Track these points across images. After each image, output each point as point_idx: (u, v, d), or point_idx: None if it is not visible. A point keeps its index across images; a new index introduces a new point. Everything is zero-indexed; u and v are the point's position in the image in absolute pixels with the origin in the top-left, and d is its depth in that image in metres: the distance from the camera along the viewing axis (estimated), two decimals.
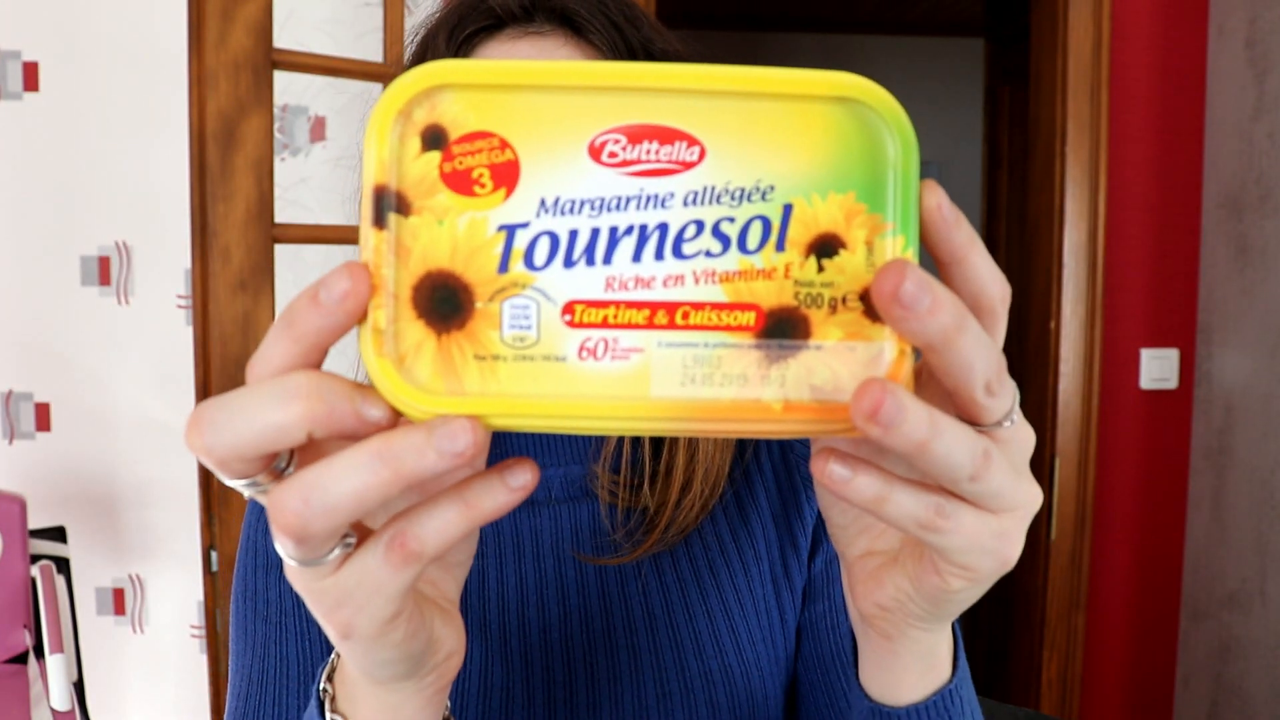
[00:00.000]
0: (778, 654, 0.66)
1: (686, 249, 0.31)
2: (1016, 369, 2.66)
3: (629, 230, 0.31)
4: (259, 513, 0.68)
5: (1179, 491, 2.17)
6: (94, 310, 1.86)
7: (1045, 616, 2.13)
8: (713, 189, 0.31)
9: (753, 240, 0.31)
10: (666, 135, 0.31)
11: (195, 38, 1.49)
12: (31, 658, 1.68)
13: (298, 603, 0.64)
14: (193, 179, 1.50)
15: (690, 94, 0.31)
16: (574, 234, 0.31)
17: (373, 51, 1.74)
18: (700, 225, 0.31)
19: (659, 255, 0.31)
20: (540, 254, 0.31)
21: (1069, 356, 2.11)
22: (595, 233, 0.31)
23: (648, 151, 0.31)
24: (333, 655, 0.42)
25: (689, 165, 0.31)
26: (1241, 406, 2.01)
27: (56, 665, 1.56)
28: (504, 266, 0.31)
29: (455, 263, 0.31)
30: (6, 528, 1.66)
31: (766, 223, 0.31)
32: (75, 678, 1.71)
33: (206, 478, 1.58)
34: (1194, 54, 2.11)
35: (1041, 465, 2.16)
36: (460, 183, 0.31)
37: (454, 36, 0.62)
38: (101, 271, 1.85)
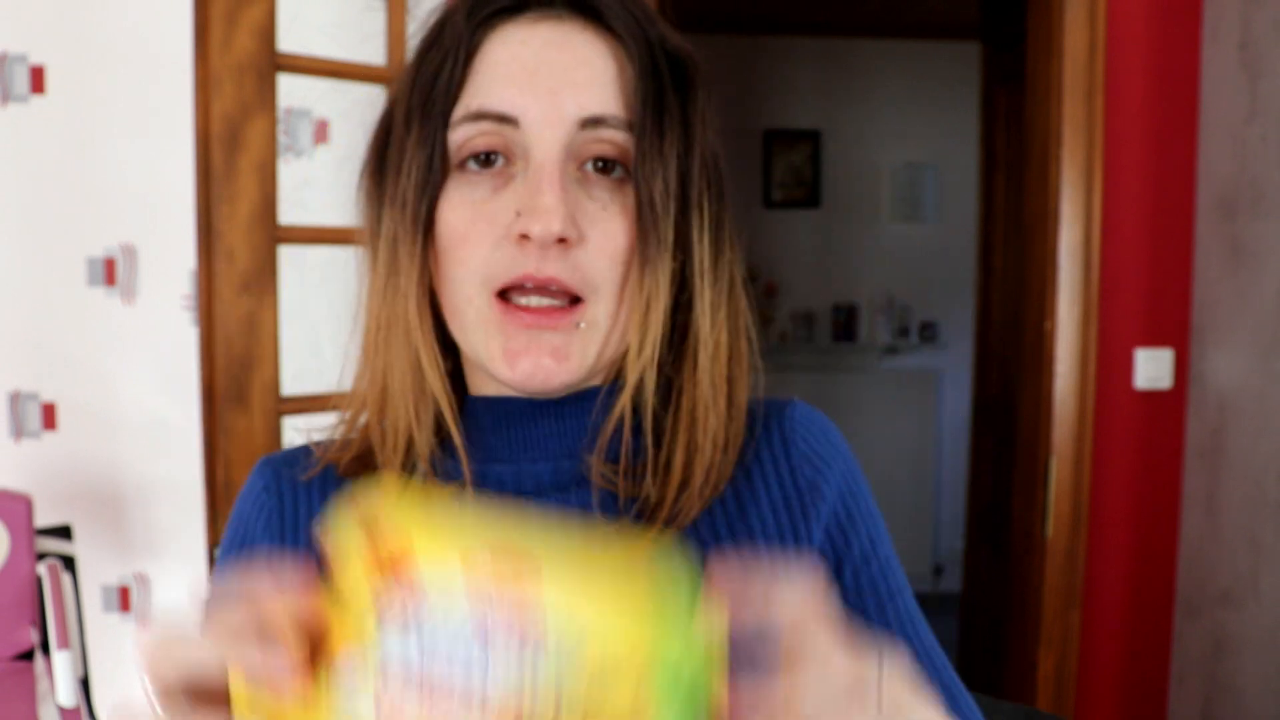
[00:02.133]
0: None
1: (491, 692, 0.36)
2: (1013, 369, 2.67)
3: (457, 667, 0.37)
4: (250, 513, 0.68)
5: (1173, 490, 2.18)
6: (99, 311, 1.87)
7: (1041, 614, 2.15)
8: (525, 642, 0.36)
9: (546, 688, 0.36)
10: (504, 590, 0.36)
11: (200, 41, 1.51)
12: (38, 654, 1.69)
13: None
14: (198, 181, 1.52)
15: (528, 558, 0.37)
16: (412, 662, 0.37)
17: (376, 55, 1.75)
18: (507, 668, 0.36)
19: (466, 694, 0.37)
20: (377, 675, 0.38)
21: (1064, 357, 2.12)
22: (429, 665, 0.37)
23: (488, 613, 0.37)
24: None
25: (519, 627, 0.36)
26: (1235, 406, 2.03)
27: (62, 662, 1.57)
28: (350, 680, 0.38)
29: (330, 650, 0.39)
30: (13, 526, 1.68)
31: (560, 669, 0.36)
32: (81, 674, 1.73)
33: (211, 476, 1.60)
34: (1188, 57, 2.13)
35: (1037, 464, 2.18)
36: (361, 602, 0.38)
37: (474, 15, 0.61)
38: (107, 272, 1.87)
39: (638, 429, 0.65)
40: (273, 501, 0.68)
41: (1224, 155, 2.06)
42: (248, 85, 1.57)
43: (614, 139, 0.60)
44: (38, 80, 1.82)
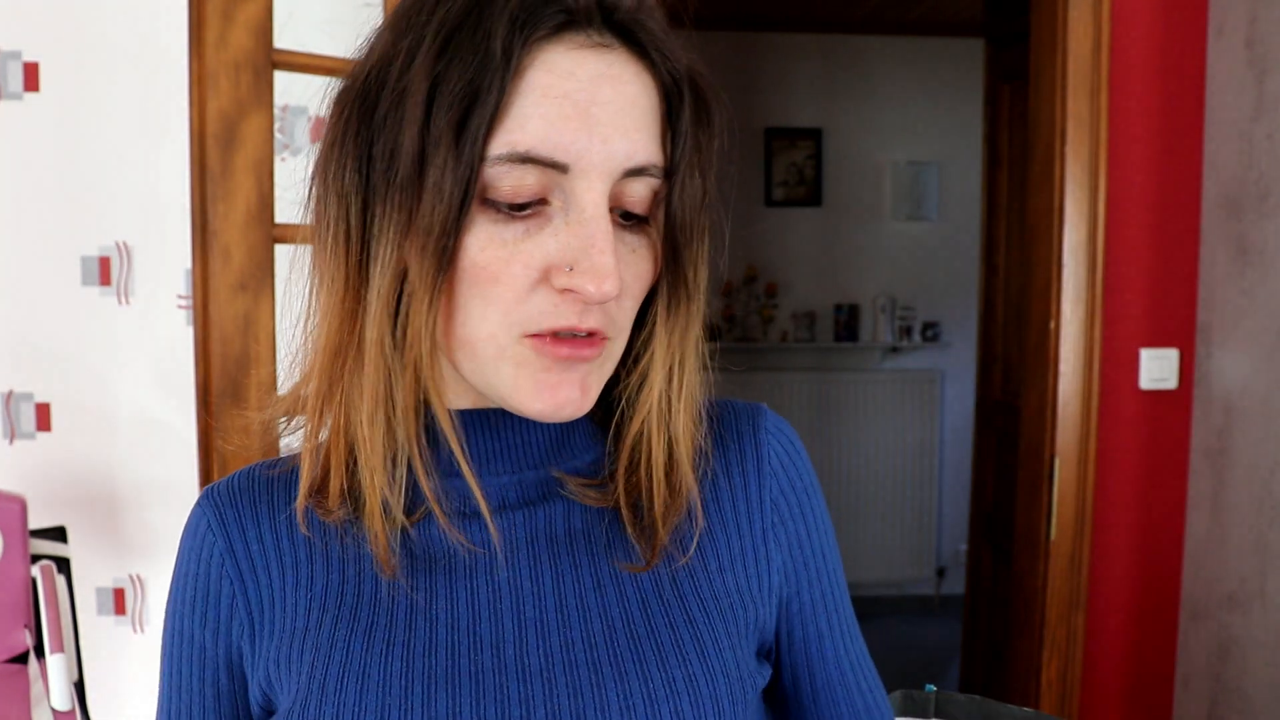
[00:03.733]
0: (746, 657, 0.64)
1: None
2: (1017, 369, 2.66)
3: None
4: (198, 550, 0.66)
5: (1178, 492, 2.17)
6: (95, 310, 1.86)
7: (1045, 617, 2.14)
8: None
9: None
10: None
11: (196, 38, 1.50)
12: (32, 657, 1.68)
13: (226, 664, 0.65)
14: (193, 179, 1.51)
15: None
16: None
17: None
18: None
19: None
20: None
21: (1069, 356, 2.11)
22: None
23: None
24: None
25: None
26: (1241, 407, 2.01)
27: (57, 665, 1.56)
28: None
29: None
30: (7, 528, 1.66)
31: None
32: (76, 677, 1.71)
33: (207, 477, 1.58)
34: (1193, 54, 2.11)
35: (1041, 465, 2.16)
36: None
37: (517, 30, 0.54)
38: (102, 271, 1.86)
39: (610, 435, 0.66)
40: (222, 543, 0.65)
41: (1230, 153, 2.04)
42: (244, 82, 1.56)
43: (651, 186, 0.59)
44: (31, 77, 1.81)
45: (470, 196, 0.55)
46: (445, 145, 0.54)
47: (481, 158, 0.55)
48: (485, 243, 0.56)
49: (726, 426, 0.70)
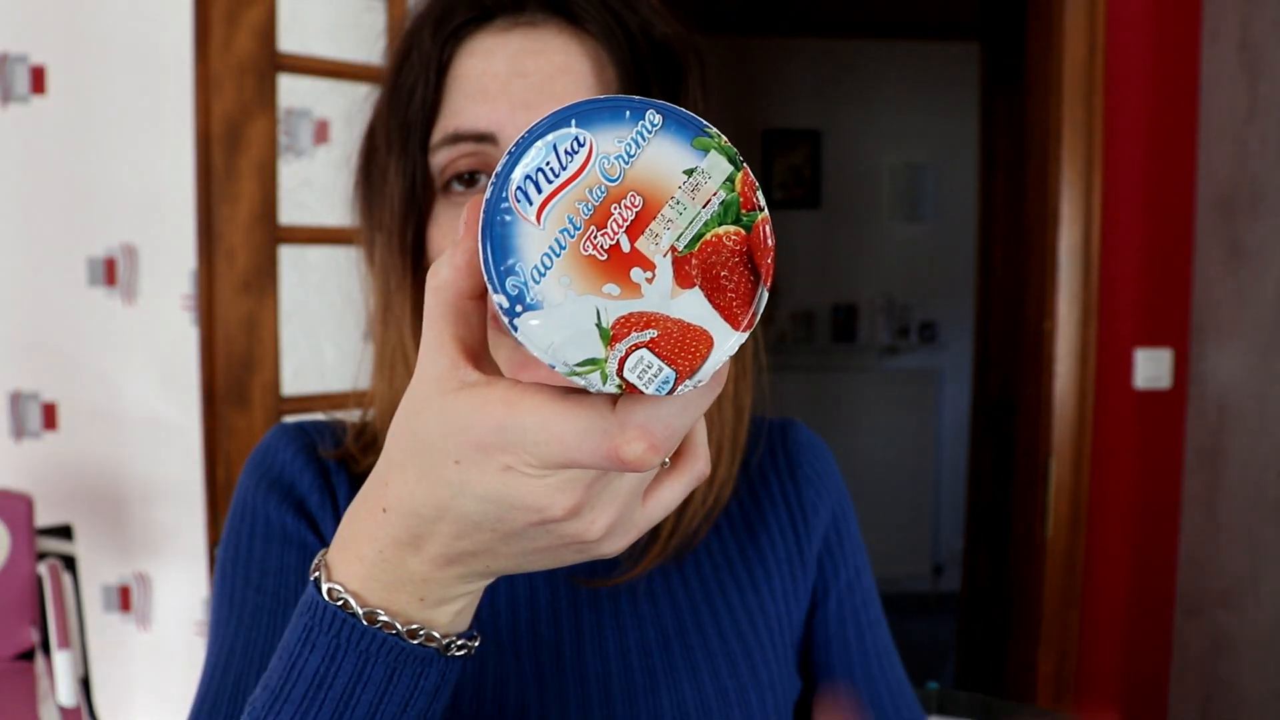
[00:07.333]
0: (789, 671, 0.65)
1: None
2: (1012, 369, 2.67)
3: None
4: (258, 479, 0.64)
5: (1173, 490, 2.19)
6: (100, 311, 1.87)
7: (1040, 613, 2.15)
8: None
9: None
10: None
11: (201, 41, 1.51)
12: (38, 655, 1.69)
13: (302, 578, 0.61)
14: (198, 181, 1.52)
15: None
16: None
17: (376, 55, 1.76)
18: None
19: None
20: None
21: (1064, 357, 2.12)
22: None
23: None
24: (321, 556, 0.42)
25: None
26: (1234, 406, 2.03)
27: (63, 662, 1.57)
28: None
29: None
30: (14, 526, 1.68)
31: None
32: (82, 674, 1.73)
33: (212, 476, 1.60)
34: (1188, 58, 2.13)
35: (1037, 464, 2.18)
36: None
37: (440, 29, 0.59)
38: (107, 272, 1.87)
39: None
40: (319, 480, 0.63)
41: (1224, 155, 2.06)
42: (248, 85, 1.57)
43: None
44: (38, 80, 1.82)
45: (418, 186, 0.58)
46: (396, 148, 0.59)
47: (425, 149, 0.58)
48: (446, 229, 0.59)
49: (760, 439, 0.70)
